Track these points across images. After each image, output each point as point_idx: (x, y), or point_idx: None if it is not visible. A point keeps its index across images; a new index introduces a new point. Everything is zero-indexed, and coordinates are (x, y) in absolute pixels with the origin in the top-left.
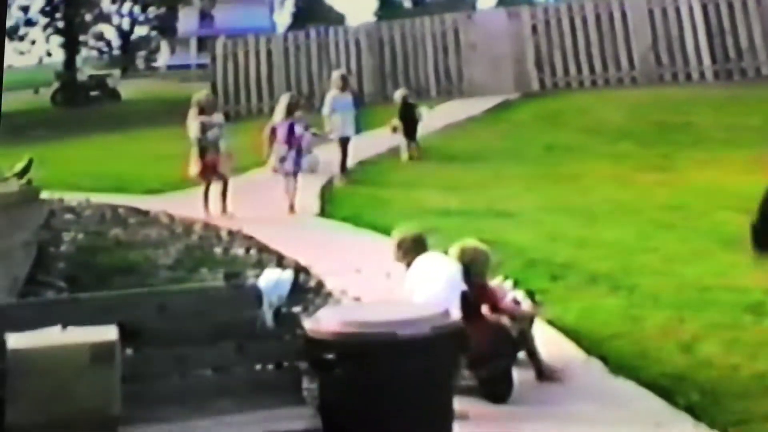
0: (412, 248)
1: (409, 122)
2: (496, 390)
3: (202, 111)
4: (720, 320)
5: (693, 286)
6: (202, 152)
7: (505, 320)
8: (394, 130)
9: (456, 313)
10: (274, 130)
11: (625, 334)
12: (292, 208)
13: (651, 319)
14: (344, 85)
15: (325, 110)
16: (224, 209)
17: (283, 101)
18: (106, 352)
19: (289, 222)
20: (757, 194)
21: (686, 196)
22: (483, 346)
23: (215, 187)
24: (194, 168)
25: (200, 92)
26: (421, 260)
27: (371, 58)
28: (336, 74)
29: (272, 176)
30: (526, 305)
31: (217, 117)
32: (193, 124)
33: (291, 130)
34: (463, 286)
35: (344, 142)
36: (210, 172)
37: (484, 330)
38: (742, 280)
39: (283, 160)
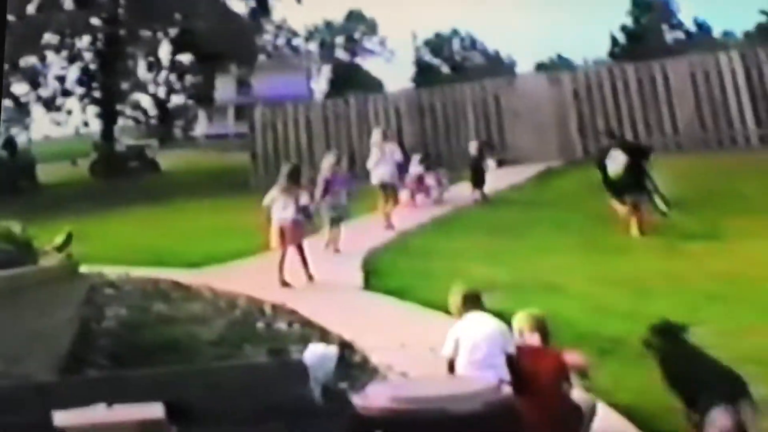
0: (463, 303)
1: (478, 172)
2: None
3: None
4: None
5: (748, 360)
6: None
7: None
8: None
9: (503, 375)
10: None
11: (680, 409)
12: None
13: None
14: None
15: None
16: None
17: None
18: (154, 430)
19: (333, 295)
20: None
21: (737, 266)
22: (544, 424)
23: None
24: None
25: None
26: (471, 317)
27: (411, 126)
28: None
29: (313, 248)
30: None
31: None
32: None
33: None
34: (510, 348)
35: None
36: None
37: (543, 404)
38: None
39: None
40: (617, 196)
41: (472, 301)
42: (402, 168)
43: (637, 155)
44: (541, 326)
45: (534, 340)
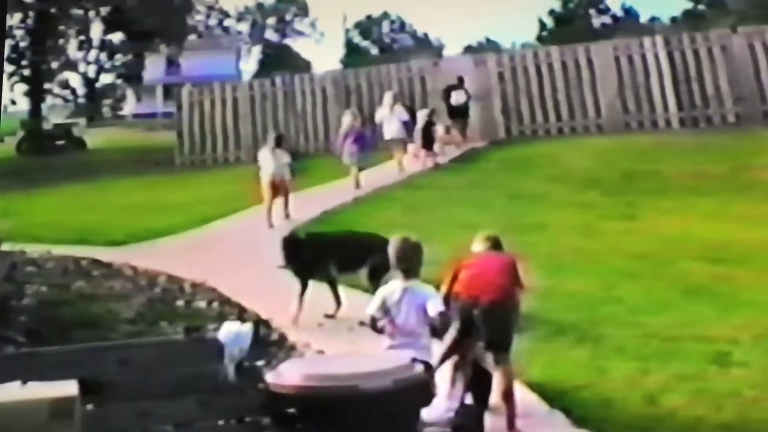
0: (396, 261)
1: (428, 136)
2: None
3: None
4: (685, 371)
5: (658, 337)
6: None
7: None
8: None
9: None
10: None
11: (590, 386)
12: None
13: (616, 370)
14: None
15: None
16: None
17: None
18: (66, 408)
19: (253, 273)
20: (723, 242)
21: (652, 245)
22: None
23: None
24: None
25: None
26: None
27: (337, 107)
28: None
29: (236, 228)
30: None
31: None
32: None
33: None
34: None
35: None
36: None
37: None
38: (708, 330)
39: None
40: (452, 118)
41: (404, 265)
42: (408, 126)
43: (469, 97)
44: (493, 240)
45: (481, 248)
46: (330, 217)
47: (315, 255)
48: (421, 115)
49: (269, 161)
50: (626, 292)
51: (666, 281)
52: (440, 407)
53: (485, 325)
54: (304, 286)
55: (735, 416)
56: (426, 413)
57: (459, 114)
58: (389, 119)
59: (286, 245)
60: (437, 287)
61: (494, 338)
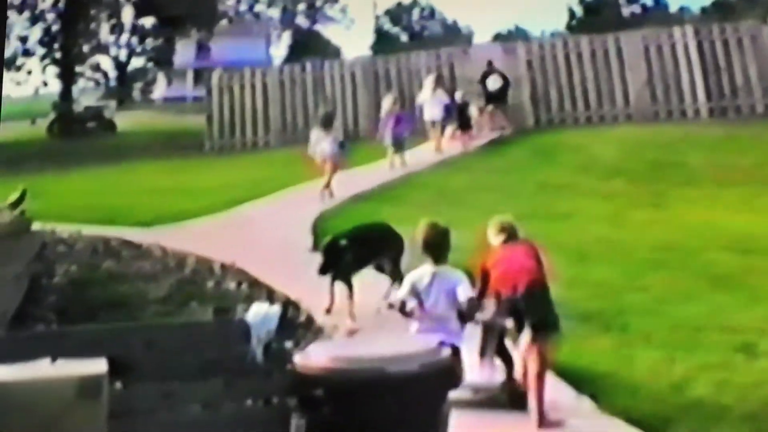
0: (424, 248)
1: (464, 117)
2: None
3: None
4: (711, 361)
5: (684, 326)
6: None
7: None
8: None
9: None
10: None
11: (616, 374)
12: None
13: (642, 359)
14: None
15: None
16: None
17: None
18: (94, 387)
19: (282, 257)
20: (750, 234)
21: (678, 235)
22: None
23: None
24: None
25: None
26: (428, 267)
27: (367, 93)
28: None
29: (265, 211)
30: None
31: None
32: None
33: None
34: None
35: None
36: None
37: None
38: (734, 320)
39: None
40: (488, 102)
41: (432, 250)
42: (448, 109)
43: (506, 82)
44: (508, 229)
45: (499, 240)
46: (360, 201)
47: (352, 256)
48: (458, 97)
49: (319, 141)
50: (652, 281)
51: (692, 271)
52: (484, 375)
53: (537, 307)
54: (333, 283)
55: (760, 406)
56: (475, 378)
57: (496, 99)
58: (431, 102)
59: (327, 252)
60: (468, 273)
61: (545, 319)
